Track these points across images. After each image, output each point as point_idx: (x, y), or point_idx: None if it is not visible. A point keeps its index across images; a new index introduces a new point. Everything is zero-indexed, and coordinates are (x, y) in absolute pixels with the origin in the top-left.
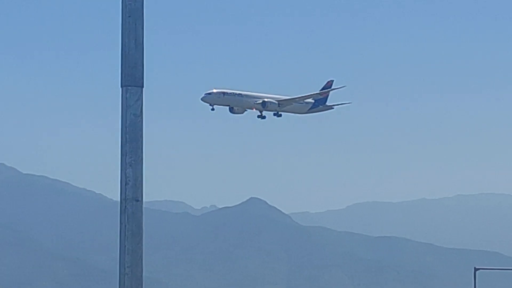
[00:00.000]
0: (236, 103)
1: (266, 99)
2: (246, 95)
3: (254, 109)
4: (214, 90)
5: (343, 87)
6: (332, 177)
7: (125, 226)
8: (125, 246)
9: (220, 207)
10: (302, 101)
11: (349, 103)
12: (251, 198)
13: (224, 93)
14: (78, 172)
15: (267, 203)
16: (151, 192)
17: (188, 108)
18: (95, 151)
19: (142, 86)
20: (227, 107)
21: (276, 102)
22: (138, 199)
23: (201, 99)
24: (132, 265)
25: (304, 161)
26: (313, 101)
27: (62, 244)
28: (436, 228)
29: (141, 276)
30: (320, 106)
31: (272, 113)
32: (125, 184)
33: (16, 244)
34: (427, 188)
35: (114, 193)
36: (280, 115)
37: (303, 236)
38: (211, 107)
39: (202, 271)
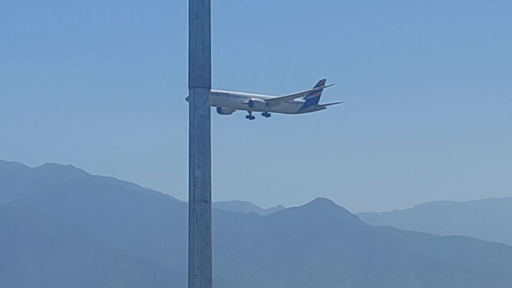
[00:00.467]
0: (222, 103)
1: (253, 99)
2: (233, 95)
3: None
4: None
5: (332, 85)
6: (399, 176)
7: (194, 227)
8: (194, 247)
9: (287, 207)
10: (291, 101)
11: (341, 102)
12: (318, 198)
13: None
14: (146, 173)
15: (334, 203)
16: (218, 193)
17: None
18: (162, 152)
19: (210, 87)
20: (214, 107)
21: (264, 101)
22: (207, 200)
23: (186, 99)
24: (201, 266)
25: (371, 161)
26: (304, 101)
27: (130, 244)
28: (505, 227)
29: (211, 277)
30: (312, 106)
31: (260, 113)
32: (194, 186)
33: (84, 245)
34: (494, 187)
35: (181, 194)
36: (269, 115)
37: (370, 236)
38: None
39: (269, 271)
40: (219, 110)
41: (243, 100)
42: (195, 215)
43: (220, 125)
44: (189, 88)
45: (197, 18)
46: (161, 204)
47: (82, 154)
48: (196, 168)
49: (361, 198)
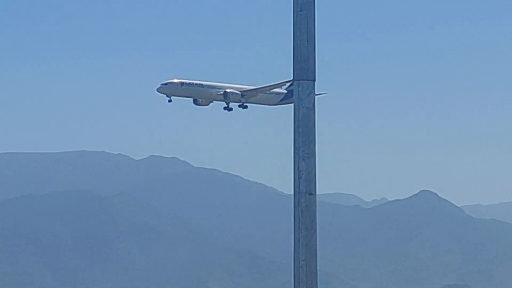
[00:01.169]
0: (196, 94)
1: (228, 90)
2: (208, 86)
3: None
4: (175, 80)
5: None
6: (505, 168)
7: (299, 219)
8: (299, 239)
9: (391, 199)
10: (270, 92)
11: (324, 93)
12: (422, 190)
13: (182, 83)
14: (249, 165)
15: (438, 196)
16: (322, 185)
17: (359, 101)
18: (265, 145)
19: (314, 80)
20: (190, 99)
21: (239, 92)
22: (312, 193)
23: (157, 90)
24: (306, 259)
25: (475, 152)
26: (285, 91)
27: (234, 236)
28: None
29: (316, 269)
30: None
31: (237, 104)
32: (299, 178)
33: (188, 237)
34: None
35: (285, 186)
36: (246, 107)
37: (475, 229)
38: (168, 99)
39: (372, 264)
40: (195, 101)
41: (218, 91)
42: (300, 207)
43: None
44: (293, 80)
45: (301, 10)
46: (265, 197)
47: (186, 146)
48: (301, 160)
49: (465, 191)
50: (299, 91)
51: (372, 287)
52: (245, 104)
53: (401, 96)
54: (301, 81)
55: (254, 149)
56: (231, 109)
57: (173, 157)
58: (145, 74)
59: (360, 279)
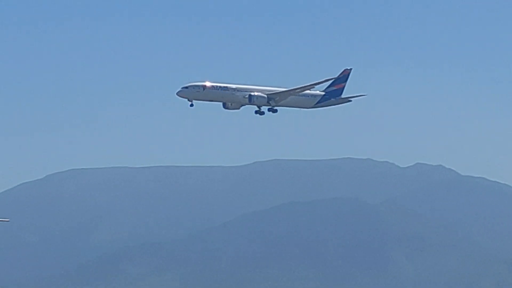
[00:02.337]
0: (220, 98)
1: (252, 93)
2: (233, 89)
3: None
4: (197, 83)
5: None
6: None
7: None
8: None
9: None
10: (305, 94)
11: (364, 95)
12: None
13: (204, 86)
14: None
15: None
16: None
17: None
18: None
19: None
20: (220, 103)
21: (265, 96)
22: None
23: (177, 94)
24: None
25: None
26: (322, 93)
27: (503, 246)
28: None
29: None
30: (333, 99)
31: (267, 108)
32: None
33: (455, 245)
34: None
35: None
36: (276, 111)
37: None
38: (190, 103)
39: None
40: (225, 105)
41: (245, 95)
42: None
43: None
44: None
45: None
46: None
47: (453, 154)
48: None
49: None
50: None
51: None
52: (274, 108)
53: None
54: None
55: None
56: (263, 113)
57: (439, 164)
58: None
59: None
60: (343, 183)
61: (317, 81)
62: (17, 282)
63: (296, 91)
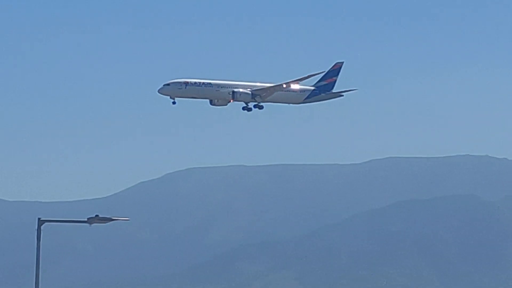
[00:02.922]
0: (203, 94)
1: (235, 89)
2: (217, 85)
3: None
4: (179, 80)
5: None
6: None
7: None
8: None
9: None
10: (293, 89)
11: (355, 89)
12: None
13: (186, 83)
14: None
15: None
16: None
17: None
18: None
19: None
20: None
21: (249, 92)
22: None
23: (158, 91)
24: None
25: None
26: (312, 88)
27: None
28: None
29: None
30: (323, 94)
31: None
32: None
33: None
34: None
35: None
36: (262, 107)
37: None
38: (172, 100)
39: None
40: (211, 102)
41: (230, 91)
42: None
43: None
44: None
45: None
46: None
47: None
48: None
49: None
50: None
51: None
52: (260, 104)
53: None
54: None
55: None
56: (250, 109)
57: None
58: None
59: None
60: (461, 181)
61: (301, 77)
62: (134, 280)
63: (281, 86)
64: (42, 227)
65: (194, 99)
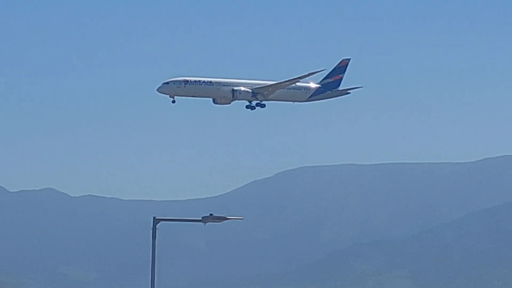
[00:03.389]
0: (203, 93)
1: (235, 87)
2: (217, 83)
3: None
4: (178, 78)
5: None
6: None
7: None
8: None
9: None
10: (298, 87)
11: (360, 87)
12: None
13: (186, 81)
14: None
15: None
16: None
17: None
18: None
19: None
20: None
21: (250, 90)
22: None
23: (157, 90)
24: None
25: None
26: (317, 85)
27: None
28: None
29: None
30: (328, 92)
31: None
32: None
33: None
34: None
35: None
36: (264, 105)
37: None
38: (172, 99)
39: None
40: (214, 101)
41: (230, 89)
42: None
43: None
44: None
45: None
46: None
47: None
48: None
49: None
50: None
51: None
52: (262, 102)
53: None
54: None
55: None
56: (254, 108)
57: None
58: None
59: None
60: None
61: (301, 75)
62: (247, 279)
63: (283, 84)
64: (157, 226)
65: (195, 98)
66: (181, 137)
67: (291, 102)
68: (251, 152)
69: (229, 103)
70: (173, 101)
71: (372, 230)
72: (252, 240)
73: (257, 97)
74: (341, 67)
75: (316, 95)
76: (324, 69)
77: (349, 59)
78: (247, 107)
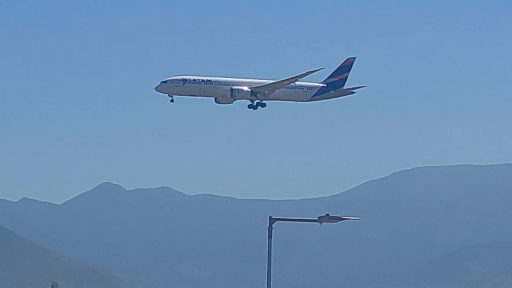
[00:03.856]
0: (202, 92)
1: (234, 87)
2: (217, 82)
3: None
4: (177, 77)
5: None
6: None
7: None
8: None
9: None
10: (300, 86)
11: (364, 86)
12: None
13: (184, 80)
14: None
15: None
16: None
17: None
18: None
19: None
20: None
21: (249, 89)
22: None
23: (156, 89)
24: None
25: None
26: (320, 85)
27: None
28: None
29: None
30: (332, 91)
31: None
32: None
33: None
34: None
35: None
36: (264, 105)
37: None
38: (170, 98)
39: None
40: (216, 100)
41: (229, 88)
42: None
43: None
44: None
45: None
46: None
47: None
48: None
49: None
50: None
51: None
52: (263, 102)
53: None
54: None
55: None
56: (256, 107)
57: None
58: None
59: None
60: None
61: (300, 73)
62: (362, 279)
63: (282, 83)
64: (273, 225)
65: (195, 97)
66: (294, 138)
67: (294, 102)
68: (367, 152)
69: (231, 103)
70: (172, 101)
71: (488, 231)
72: (366, 240)
73: (257, 96)
74: (346, 66)
75: (319, 94)
76: (323, 68)
77: (354, 58)
78: (249, 106)
